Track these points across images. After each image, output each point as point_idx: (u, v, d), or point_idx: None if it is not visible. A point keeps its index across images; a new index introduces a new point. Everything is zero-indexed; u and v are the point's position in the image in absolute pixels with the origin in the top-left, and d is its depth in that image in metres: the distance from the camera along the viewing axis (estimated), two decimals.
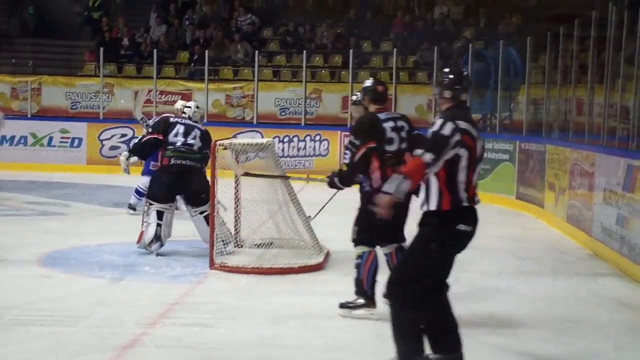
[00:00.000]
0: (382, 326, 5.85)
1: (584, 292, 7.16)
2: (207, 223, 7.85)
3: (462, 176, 4.60)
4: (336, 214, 9.93)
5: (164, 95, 18.09)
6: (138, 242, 8.14)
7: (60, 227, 10.01)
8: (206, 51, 17.95)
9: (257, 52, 17.82)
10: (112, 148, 17.27)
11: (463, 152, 4.58)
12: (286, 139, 16.58)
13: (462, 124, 4.61)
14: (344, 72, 18.34)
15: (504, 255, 8.75)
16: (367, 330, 5.80)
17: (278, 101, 18.07)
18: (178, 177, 8.16)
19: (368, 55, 19.75)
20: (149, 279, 7.19)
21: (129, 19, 21.65)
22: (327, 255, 8.16)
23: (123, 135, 17.35)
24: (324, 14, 21.19)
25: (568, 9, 15.55)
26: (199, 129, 8.50)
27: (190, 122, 8.60)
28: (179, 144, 8.28)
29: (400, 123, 6.20)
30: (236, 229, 8.39)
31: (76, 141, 17.35)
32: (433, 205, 4.62)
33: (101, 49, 18.29)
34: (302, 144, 16.62)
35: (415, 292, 4.61)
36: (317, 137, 16.52)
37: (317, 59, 19.61)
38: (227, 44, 20.23)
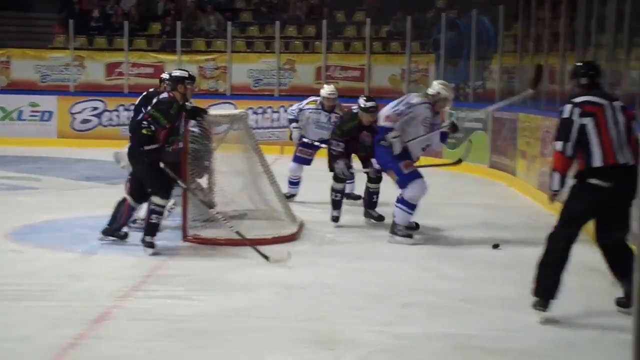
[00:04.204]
0: (355, 296, 5.91)
1: None
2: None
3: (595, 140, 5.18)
4: (309, 186, 10.01)
5: (136, 68, 17.96)
6: None
7: (31, 201, 9.96)
8: (178, 22, 17.81)
9: (229, 23, 17.70)
10: (84, 121, 17.18)
11: (588, 121, 5.20)
12: (260, 110, 16.54)
13: (581, 99, 5.29)
14: (317, 42, 18.27)
15: (477, 223, 8.80)
16: (337, 300, 5.83)
17: (251, 72, 17.97)
18: None
19: (341, 26, 19.67)
20: (122, 253, 7.15)
21: None
22: (301, 226, 8.17)
23: (95, 109, 17.25)
24: None
25: None
26: None
27: None
28: None
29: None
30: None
31: (46, 115, 17.21)
32: None
33: (71, 21, 18.07)
34: (276, 115, 16.57)
35: None
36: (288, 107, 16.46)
37: (290, 29, 19.51)
38: (200, 15, 20.09)
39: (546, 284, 5.34)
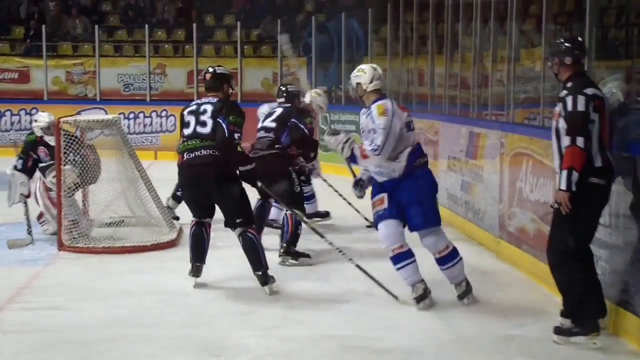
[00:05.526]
0: (239, 301, 5.86)
1: (431, 258, 7.30)
2: None
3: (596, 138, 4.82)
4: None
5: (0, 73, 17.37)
6: None
7: None
8: (43, 26, 17.31)
9: (97, 26, 17.32)
10: None
11: (596, 117, 4.81)
12: (132, 116, 16.23)
13: (590, 91, 4.83)
14: (187, 46, 18.07)
15: (347, 225, 8.81)
16: (221, 305, 5.78)
17: (121, 77, 17.64)
18: None
19: (211, 29, 19.55)
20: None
21: None
22: (180, 232, 8.05)
23: None
24: None
25: None
26: None
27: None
28: None
29: (203, 107, 6.04)
30: (84, 208, 8.15)
31: None
32: None
33: None
34: (148, 120, 16.31)
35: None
36: (164, 113, 16.24)
37: (159, 33, 19.23)
38: (65, 18, 19.56)
39: (589, 305, 4.95)
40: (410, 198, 5.68)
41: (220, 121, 5.92)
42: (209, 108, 6.02)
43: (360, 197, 6.14)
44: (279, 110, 7.51)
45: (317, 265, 6.99)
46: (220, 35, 19.34)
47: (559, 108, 4.92)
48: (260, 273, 6.05)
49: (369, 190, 5.94)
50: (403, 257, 5.73)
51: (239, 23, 17.18)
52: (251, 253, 6.07)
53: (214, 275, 6.55)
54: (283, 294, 6.05)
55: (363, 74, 5.79)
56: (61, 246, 7.35)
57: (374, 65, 5.91)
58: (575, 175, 4.74)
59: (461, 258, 5.86)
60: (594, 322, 4.89)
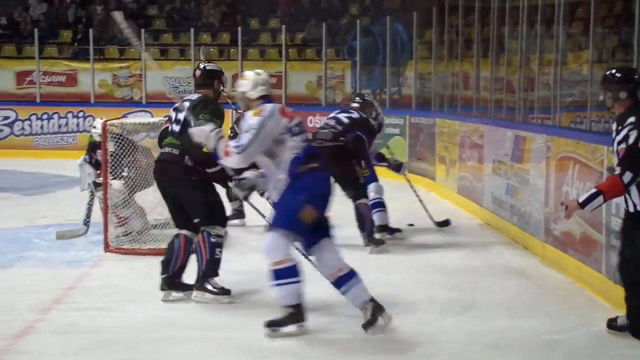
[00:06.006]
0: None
1: (476, 261, 7.31)
2: None
3: None
4: None
5: (47, 76, 17.61)
6: None
7: None
8: (90, 30, 17.53)
9: (143, 30, 17.49)
10: None
11: None
12: None
13: None
14: (232, 49, 18.19)
15: (402, 228, 8.81)
16: (264, 308, 5.77)
17: (167, 80, 17.80)
18: None
19: (256, 33, 19.64)
20: (42, 265, 6.98)
21: None
22: (225, 234, 8.06)
23: (5, 118, 16.85)
24: None
25: None
26: None
27: None
28: None
29: (184, 104, 5.96)
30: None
31: None
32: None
33: None
34: None
35: None
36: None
37: (204, 36, 19.37)
38: (112, 22, 19.76)
39: None
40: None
41: (191, 117, 5.76)
42: (187, 105, 5.98)
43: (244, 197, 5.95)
44: (356, 115, 7.88)
45: (358, 268, 6.97)
46: (265, 38, 19.42)
47: (621, 135, 4.77)
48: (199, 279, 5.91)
49: None
50: (282, 274, 5.10)
51: (283, 26, 17.27)
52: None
53: (257, 279, 6.56)
54: (325, 297, 6.04)
55: (245, 82, 5.44)
56: (107, 247, 7.44)
57: (258, 71, 5.55)
58: (599, 200, 4.77)
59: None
60: None
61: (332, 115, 8.10)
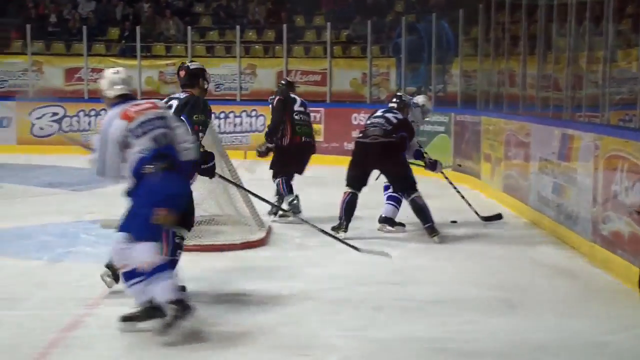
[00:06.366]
0: (328, 301, 5.87)
1: (523, 261, 7.26)
2: None
3: None
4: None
5: (95, 73, 17.72)
6: None
7: None
8: (137, 27, 17.68)
9: (189, 27, 17.62)
10: (43, 127, 16.99)
11: None
12: (222, 115, 16.44)
13: None
14: (277, 47, 18.22)
15: (442, 227, 8.78)
16: (314, 304, 5.80)
17: (213, 77, 17.72)
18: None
19: (301, 30, 19.67)
20: (89, 260, 7.00)
21: None
22: (269, 231, 8.12)
23: (54, 114, 17.06)
24: None
25: None
26: None
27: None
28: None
29: (170, 103, 6.18)
30: None
31: (5, 121, 16.94)
32: None
33: (28, 26, 17.93)
34: (238, 120, 16.50)
35: None
36: (253, 113, 16.41)
37: (250, 34, 19.45)
38: (159, 19, 19.96)
39: None
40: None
41: (184, 120, 5.85)
42: (174, 104, 6.04)
43: None
44: (401, 116, 8.34)
45: (403, 268, 6.96)
46: (310, 35, 19.44)
47: None
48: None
49: None
50: (129, 276, 5.06)
51: (328, 24, 17.25)
52: None
53: (305, 277, 6.59)
54: (370, 295, 6.04)
55: (102, 81, 5.33)
56: None
57: (117, 69, 5.42)
58: None
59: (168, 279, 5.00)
60: None
61: (379, 113, 8.36)
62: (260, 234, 7.90)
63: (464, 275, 6.71)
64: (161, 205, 5.00)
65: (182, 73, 6.42)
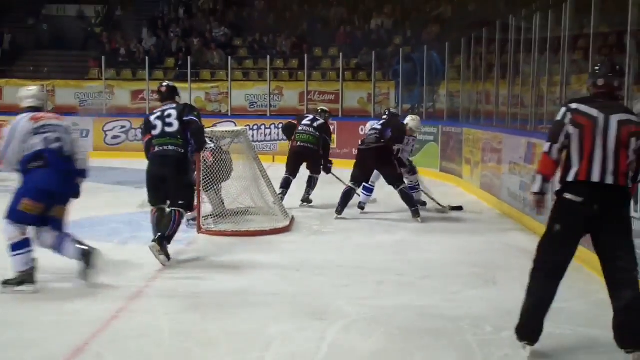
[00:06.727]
0: (339, 276, 5.86)
1: (496, 244, 7.23)
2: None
3: (575, 153, 3.90)
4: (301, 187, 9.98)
5: (154, 94, 17.79)
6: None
7: (74, 202, 9.76)
8: (188, 57, 17.72)
9: (230, 57, 17.64)
10: (114, 137, 17.07)
11: (575, 132, 3.88)
12: (255, 127, 16.47)
13: (575, 104, 3.95)
14: (300, 72, 18.24)
15: (431, 216, 8.76)
16: (327, 278, 5.78)
17: (248, 97, 17.94)
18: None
19: (319, 59, 19.67)
20: (149, 243, 6.98)
21: (125, 33, 21.31)
22: (292, 220, 8.12)
23: (122, 127, 17.13)
24: (282, 26, 21.03)
25: (478, 18, 15.59)
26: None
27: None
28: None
29: (167, 112, 6.25)
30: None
31: (84, 132, 17.02)
32: None
33: (103, 57, 18.04)
34: (268, 131, 16.52)
35: None
36: (280, 125, 16.32)
37: (278, 62, 19.48)
38: (205, 51, 20.00)
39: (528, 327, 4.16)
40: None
41: (191, 117, 6.20)
42: (173, 112, 6.20)
43: None
44: (383, 122, 8.60)
45: (400, 250, 6.94)
46: (326, 63, 19.43)
47: None
48: (156, 239, 6.05)
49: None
50: (15, 247, 5.19)
51: (341, 54, 17.25)
52: (167, 224, 6.10)
53: (320, 256, 6.58)
54: (374, 271, 6.03)
55: (19, 95, 5.48)
56: (199, 230, 7.50)
57: (31, 88, 5.52)
58: (539, 177, 4.03)
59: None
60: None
61: (375, 125, 8.65)
62: (285, 222, 7.89)
63: (449, 256, 6.68)
64: (29, 197, 5.16)
65: (164, 89, 6.48)
